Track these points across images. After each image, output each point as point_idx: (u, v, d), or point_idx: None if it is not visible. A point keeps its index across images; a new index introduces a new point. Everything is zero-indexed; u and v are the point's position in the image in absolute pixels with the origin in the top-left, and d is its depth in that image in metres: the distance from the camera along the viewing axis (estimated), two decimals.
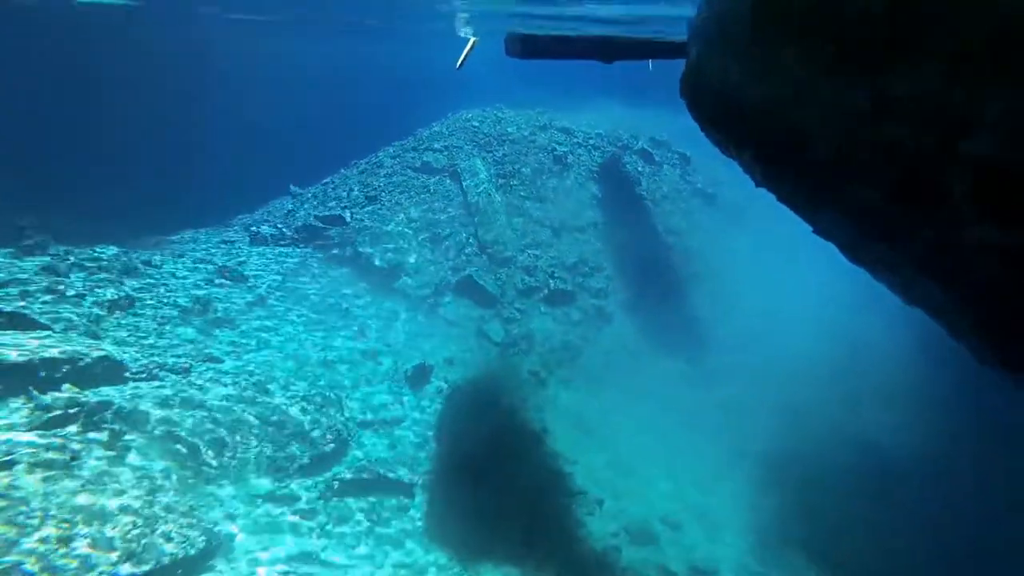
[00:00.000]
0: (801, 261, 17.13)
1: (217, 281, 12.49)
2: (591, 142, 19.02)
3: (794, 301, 15.31)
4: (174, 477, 6.51)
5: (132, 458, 6.35)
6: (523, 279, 14.48)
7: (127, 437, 6.48)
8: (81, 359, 7.00)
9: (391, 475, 8.23)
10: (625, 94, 24.51)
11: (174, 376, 8.05)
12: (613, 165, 18.57)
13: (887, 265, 2.80)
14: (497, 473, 9.19)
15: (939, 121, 1.76)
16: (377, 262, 14.05)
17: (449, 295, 13.81)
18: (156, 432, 6.77)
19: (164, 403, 7.25)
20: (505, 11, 14.04)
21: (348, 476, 7.91)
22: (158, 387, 7.58)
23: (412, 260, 14.27)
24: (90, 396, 6.71)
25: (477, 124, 18.91)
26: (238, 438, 7.43)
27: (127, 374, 7.65)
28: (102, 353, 7.35)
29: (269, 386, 8.60)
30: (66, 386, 6.56)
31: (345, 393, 9.79)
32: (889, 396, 12.94)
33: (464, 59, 12.60)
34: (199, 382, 8.10)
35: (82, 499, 5.57)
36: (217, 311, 10.88)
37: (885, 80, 1.85)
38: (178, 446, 6.83)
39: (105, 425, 6.44)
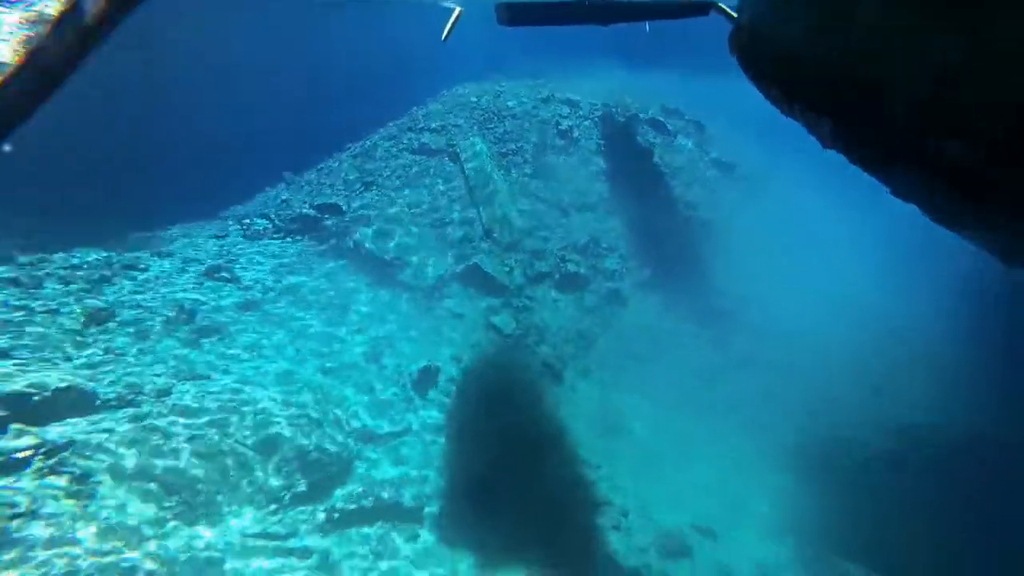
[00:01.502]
0: (828, 235, 16.12)
1: (206, 284, 11.67)
2: (597, 113, 17.81)
3: (822, 279, 14.33)
4: (149, 522, 5.77)
5: (98, 505, 5.60)
6: (532, 264, 13.57)
7: (92, 480, 5.73)
8: (38, 392, 6.23)
9: (397, 498, 7.47)
10: (626, 58, 23.08)
11: (152, 400, 7.27)
12: (623, 137, 17.41)
13: (981, 225, 2.58)
14: (513, 484, 8.46)
15: None
16: (376, 253, 13.16)
17: (454, 285, 12.92)
18: (127, 471, 6.01)
19: (137, 435, 6.48)
20: None
21: (350, 504, 7.16)
22: (132, 415, 6.80)
23: (414, 249, 13.36)
24: (48, 435, 5.95)
25: (475, 99, 17.75)
26: (224, 468, 6.67)
27: (97, 403, 6.87)
28: (66, 383, 6.56)
29: (260, 404, 7.81)
30: (14, 426, 5.79)
31: (346, 403, 9.01)
32: (925, 379, 12.13)
33: (450, 31, 11.61)
34: (181, 405, 7.31)
35: (39, 562, 4.83)
36: (205, 319, 10.07)
37: (981, 32, 1.64)
38: (153, 484, 6.08)
39: (65, 469, 5.68)
